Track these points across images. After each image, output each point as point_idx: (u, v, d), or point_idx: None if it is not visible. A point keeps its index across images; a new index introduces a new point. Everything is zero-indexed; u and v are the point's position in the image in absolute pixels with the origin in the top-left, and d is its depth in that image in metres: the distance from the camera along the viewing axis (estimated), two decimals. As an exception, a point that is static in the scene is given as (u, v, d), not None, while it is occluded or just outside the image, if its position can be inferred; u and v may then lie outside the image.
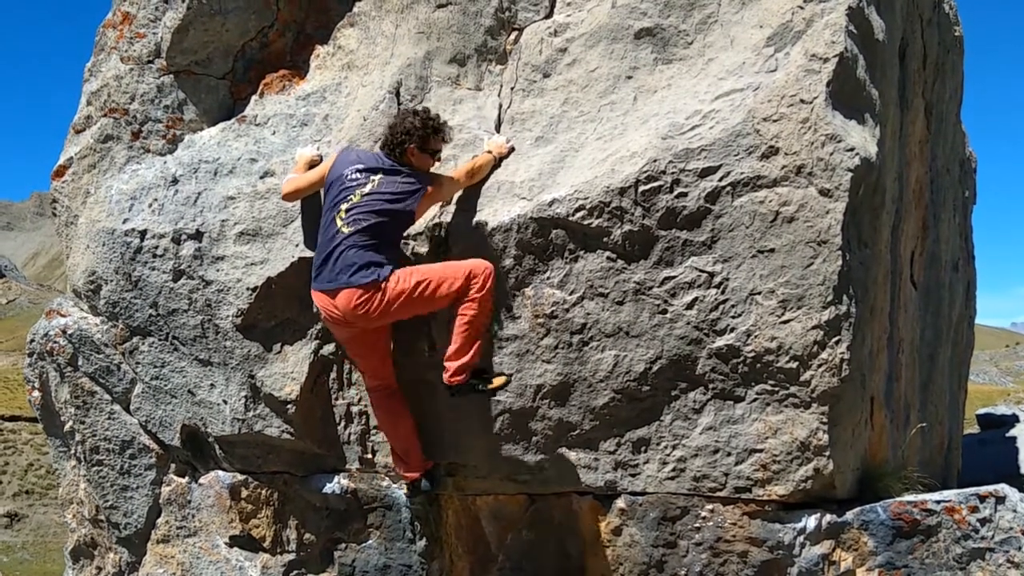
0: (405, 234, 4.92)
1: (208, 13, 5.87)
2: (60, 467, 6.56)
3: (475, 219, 4.86)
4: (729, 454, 4.56)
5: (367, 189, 4.70)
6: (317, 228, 5.17)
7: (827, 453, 4.38)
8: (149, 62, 5.98)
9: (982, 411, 14.29)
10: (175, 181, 5.60)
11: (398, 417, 5.00)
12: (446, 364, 4.65)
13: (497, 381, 4.73)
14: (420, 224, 4.95)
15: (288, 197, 5.15)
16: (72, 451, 6.30)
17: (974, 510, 4.31)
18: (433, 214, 4.99)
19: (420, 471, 5.05)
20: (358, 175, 4.75)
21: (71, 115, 6.21)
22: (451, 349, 4.64)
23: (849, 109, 4.51)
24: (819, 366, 4.34)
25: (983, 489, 4.36)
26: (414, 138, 4.77)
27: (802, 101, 4.37)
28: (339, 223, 4.65)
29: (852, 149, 4.31)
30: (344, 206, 4.68)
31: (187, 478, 5.93)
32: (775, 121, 4.37)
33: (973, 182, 9.21)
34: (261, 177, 5.46)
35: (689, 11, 4.98)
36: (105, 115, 5.97)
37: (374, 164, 4.80)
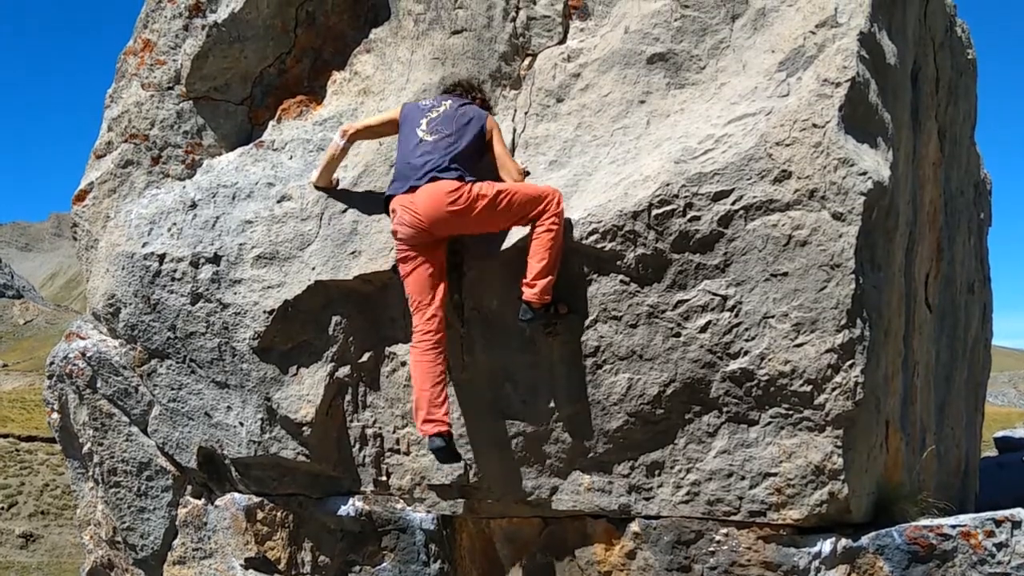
0: None
1: (227, 40, 5.97)
2: (78, 489, 6.61)
3: (490, 245, 4.90)
4: (743, 478, 4.55)
5: (442, 108, 4.98)
6: (333, 253, 5.24)
7: (842, 477, 4.37)
8: (169, 88, 6.08)
9: (1000, 434, 14.14)
10: (194, 205, 5.67)
11: (434, 367, 4.77)
12: (533, 283, 4.59)
13: (563, 308, 4.75)
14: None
15: (356, 135, 5.25)
16: (90, 473, 6.35)
17: (990, 535, 4.28)
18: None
19: (443, 426, 4.71)
20: (432, 103, 5.06)
21: (89, 137, 6.37)
22: (536, 269, 4.59)
23: (861, 133, 4.53)
24: (833, 390, 4.33)
25: (999, 514, 4.33)
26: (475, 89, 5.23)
27: (814, 125, 4.39)
28: (421, 134, 4.87)
29: (865, 173, 4.32)
30: (424, 121, 4.92)
31: (203, 500, 5.97)
32: (787, 145, 4.40)
33: (988, 204, 9.18)
34: (278, 201, 5.52)
35: (701, 36, 5.03)
36: (126, 141, 6.07)
37: (443, 97, 5.11)
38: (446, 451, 4.69)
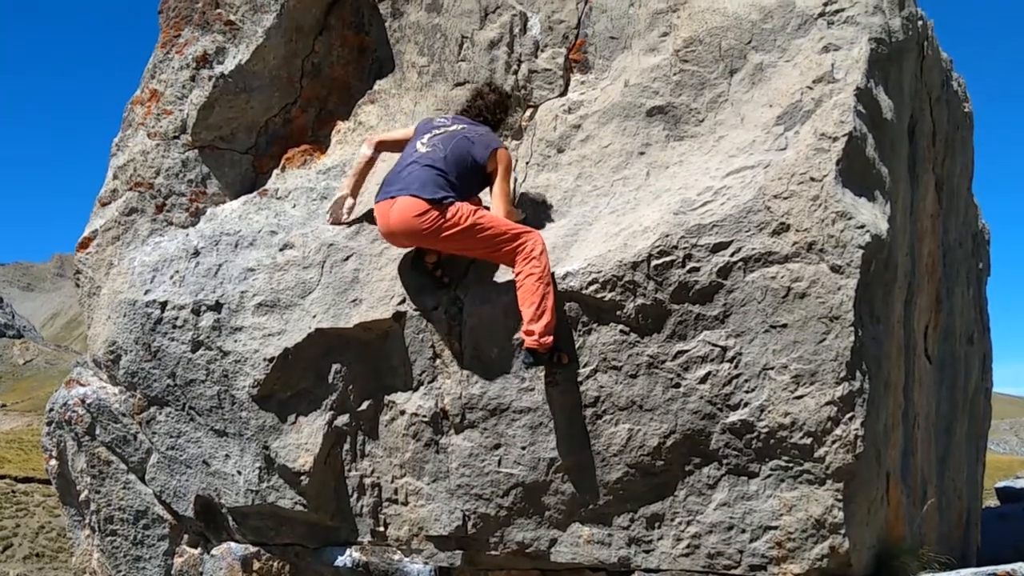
0: (422, 303, 5.01)
1: (233, 91, 6.06)
2: (74, 536, 6.55)
3: (491, 291, 4.93)
4: (744, 531, 4.52)
5: (452, 128, 5.08)
6: (334, 301, 5.26)
7: (843, 531, 4.34)
8: (175, 138, 6.16)
9: (1001, 484, 13.99)
10: (197, 253, 5.70)
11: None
12: (531, 330, 4.56)
13: (564, 358, 4.73)
14: (437, 300, 5.01)
15: (382, 145, 5.39)
16: (87, 520, 6.30)
17: (992, 590, 4.25)
18: (449, 293, 5.05)
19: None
20: (444, 120, 5.18)
21: (92, 179, 6.42)
22: (529, 315, 4.58)
23: (859, 187, 4.57)
24: (833, 442, 4.32)
25: (1000, 569, 4.30)
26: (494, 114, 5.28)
27: (812, 179, 4.44)
28: (419, 146, 4.99)
29: (863, 226, 4.36)
30: (427, 136, 5.04)
31: (200, 549, 5.91)
32: (786, 198, 4.44)
33: (987, 253, 9.22)
34: (280, 249, 5.55)
35: (700, 90, 5.10)
36: (131, 189, 6.13)
37: (458, 118, 5.20)
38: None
